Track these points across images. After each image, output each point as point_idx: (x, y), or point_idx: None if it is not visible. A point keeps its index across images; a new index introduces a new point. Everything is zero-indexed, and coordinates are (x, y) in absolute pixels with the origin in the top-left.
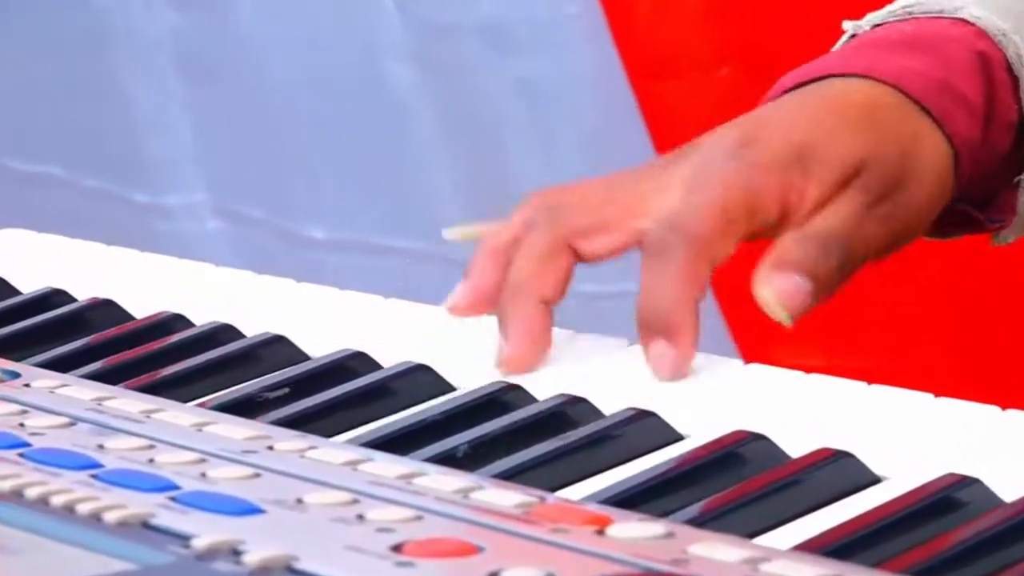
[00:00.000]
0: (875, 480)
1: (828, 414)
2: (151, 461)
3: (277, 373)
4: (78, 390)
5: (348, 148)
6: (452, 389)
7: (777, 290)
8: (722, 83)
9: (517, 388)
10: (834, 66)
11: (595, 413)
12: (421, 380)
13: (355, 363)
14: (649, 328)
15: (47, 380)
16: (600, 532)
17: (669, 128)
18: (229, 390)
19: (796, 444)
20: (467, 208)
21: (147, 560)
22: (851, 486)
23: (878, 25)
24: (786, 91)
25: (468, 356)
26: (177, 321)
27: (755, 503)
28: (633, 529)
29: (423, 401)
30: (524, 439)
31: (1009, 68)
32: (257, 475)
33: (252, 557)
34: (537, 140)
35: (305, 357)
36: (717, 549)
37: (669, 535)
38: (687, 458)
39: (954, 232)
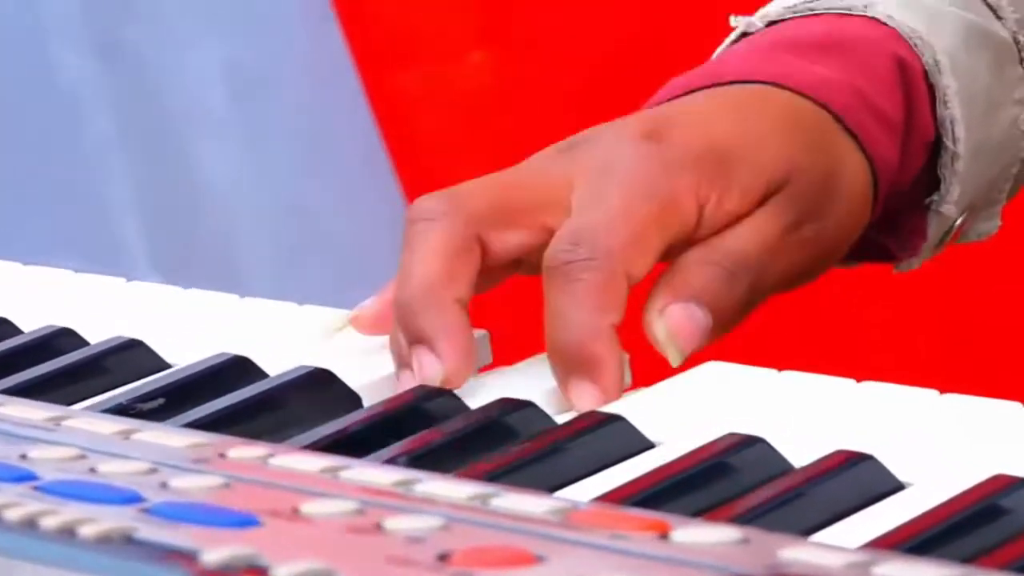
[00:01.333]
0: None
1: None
2: (92, 471)
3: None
4: None
5: (7, 150)
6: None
7: (671, 324)
8: (472, 69)
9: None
10: (739, 70)
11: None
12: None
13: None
14: (564, 364)
15: None
16: (663, 537)
17: (405, 124)
18: None
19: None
20: (148, 223)
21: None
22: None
23: (774, 22)
24: (676, 97)
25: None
26: None
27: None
28: (701, 534)
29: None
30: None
31: (926, 77)
32: (227, 484)
33: (285, 573)
34: (241, 138)
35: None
36: (814, 553)
37: (745, 540)
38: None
39: (858, 259)
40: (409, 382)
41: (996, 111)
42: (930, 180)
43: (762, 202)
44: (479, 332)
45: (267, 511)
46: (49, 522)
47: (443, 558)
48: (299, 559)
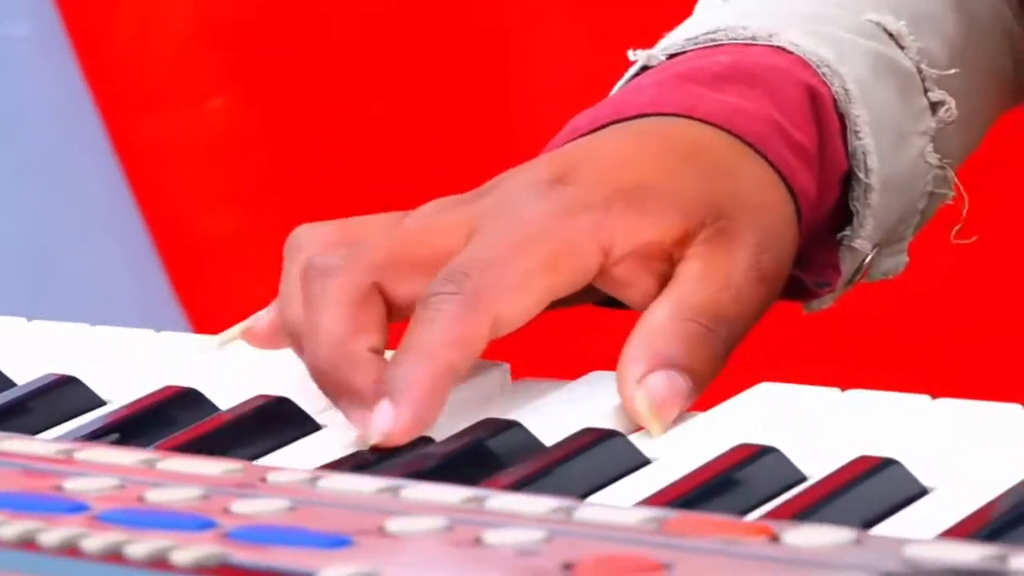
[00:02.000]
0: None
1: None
2: (141, 499)
3: None
4: None
5: None
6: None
7: (654, 397)
8: (214, 115)
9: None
10: (642, 104)
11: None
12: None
13: None
14: (387, 387)
15: None
16: (774, 540)
17: (149, 172)
18: None
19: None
20: None
21: None
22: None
23: (675, 55)
24: (582, 135)
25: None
26: None
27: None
28: (810, 536)
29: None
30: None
31: (836, 106)
32: (293, 508)
33: None
34: None
35: None
36: (944, 549)
37: (857, 541)
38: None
39: None
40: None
41: (904, 142)
42: (841, 214)
43: (686, 240)
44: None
45: (352, 531)
46: (136, 551)
47: (568, 567)
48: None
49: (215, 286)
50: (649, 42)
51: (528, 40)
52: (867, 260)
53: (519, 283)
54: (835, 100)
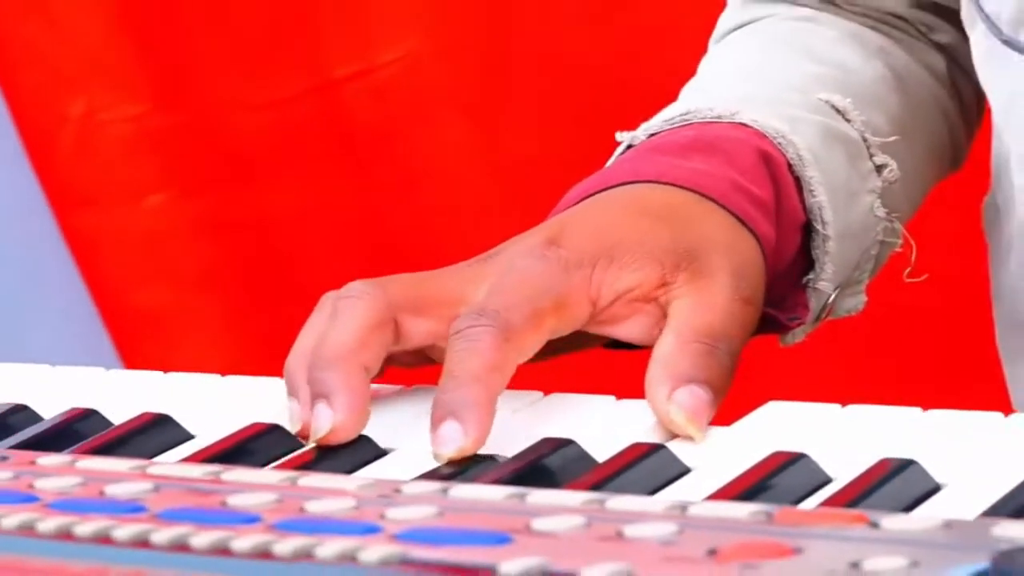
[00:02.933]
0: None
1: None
2: (302, 510)
3: None
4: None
5: None
6: None
7: (686, 407)
8: (151, 212)
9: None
10: (622, 174)
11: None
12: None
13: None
14: (442, 408)
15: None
16: (874, 526)
17: (97, 260)
18: None
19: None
20: None
21: None
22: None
23: (655, 134)
24: (574, 204)
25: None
26: None
27: None
28: (903, 522)
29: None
30: None
31: (791, 169)
32: (440, 513)
33: (593, 574)
34: None
35: None
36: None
37: (948, 525)
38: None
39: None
40: (296, 411)
41: (855, 200)
42: (804, 261)
43: (662, 282)
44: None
45: (506, 530)
46: (324, 552)
47: (712, 554)
48: (595, 564)
49: (155, 351)
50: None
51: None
52: (831, 300)
53: (534, 323)
54: (790, 165)
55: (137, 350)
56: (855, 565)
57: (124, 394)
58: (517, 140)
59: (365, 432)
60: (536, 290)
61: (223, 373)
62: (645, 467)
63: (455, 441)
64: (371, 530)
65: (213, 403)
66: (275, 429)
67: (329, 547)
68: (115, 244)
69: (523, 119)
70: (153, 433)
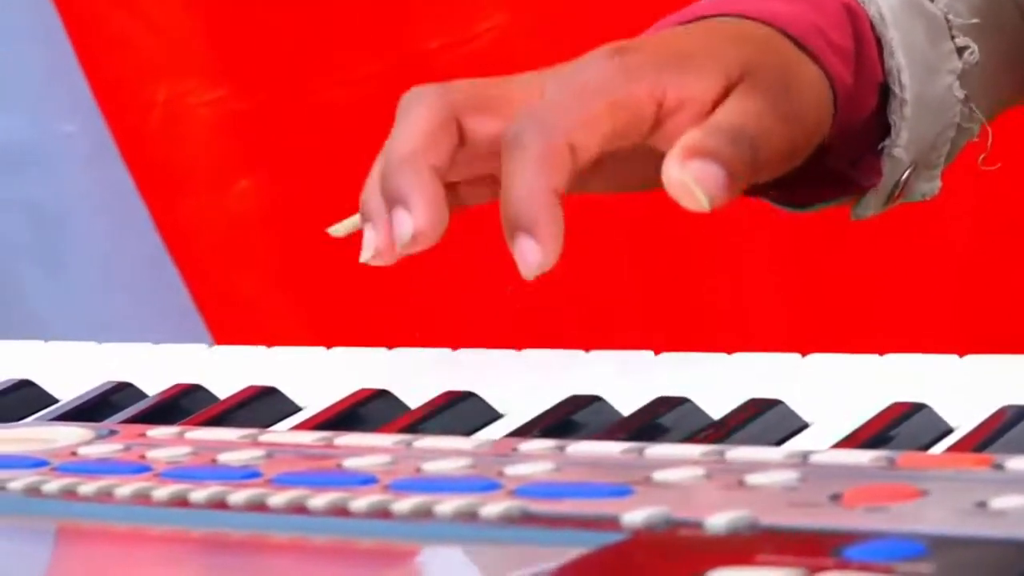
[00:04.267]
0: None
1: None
2: (419, 470)
3: None
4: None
5: None
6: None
7: (693, 172)
8: (240, 196)
9: None
10: (702, 10)
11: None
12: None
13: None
14: (507, 223)
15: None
16: (999, 468)
17: (188, 246)
18: None
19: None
20: None
21: (593, 541)
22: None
23: None
24: None
25: None
26: None
27: None
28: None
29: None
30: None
31: (872, 28)
32: (558, 468)
33: (717, 521)
34: (47, 266)
35: None
36: None
37: None
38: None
39: (824, 196)
40: (371, 238)
41: (933, 74)
42: (881, 129)
43: (726, 93)
44: None
45: (627, 482)
46: (443, 509)
47: (836, 498)
48: (719, 512)
49: (248, 337)
50: None
51: None
52: (905, 175)
53: (584, 120)
54: (871, 23)
55: (231, 336)
56: (981, 504)
57: (228, 369)
58: None
59: (479, 394)
60: (593, 89)
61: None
62: (763, 422)
63: (535, 258)
64: (490, 487)
65: (318, 374)
66: (383, 394)
67: (448, 504)
68: (205, 230)
69: None
70: (260, 405)
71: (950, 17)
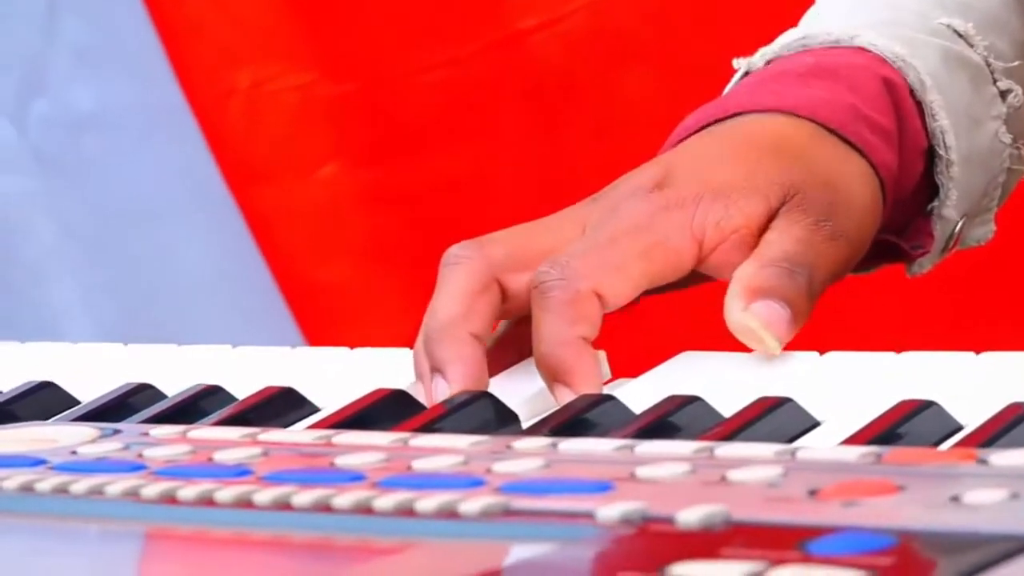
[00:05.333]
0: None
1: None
2: (409, 468)
3: None
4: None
5: None
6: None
7: (760, 317)
8: (325, 183)
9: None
10: (739, 103)
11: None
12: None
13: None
14: (543, 371)
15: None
16: (983, 463)
17: (273, 235)
18: None
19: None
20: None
21: (566, 536)
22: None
23: (771, 61)
24: (691, 134)
25: None
26: None
27: None
28: (1010, 458)
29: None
30: None
31: (912, 94)
32: (547, 465)
33: (689, 516)
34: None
35: None
36: None
37: None
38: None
39: (874, 264)
40: (424, 396)
41: (979, 125)
42: (930, 189)
43: (769, 218)
44: (598, 352)
45: (610, 479)
46: (425, 505)
47: (813, 494)
48: (688, 507)
49: (337, 327)
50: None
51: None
52: (958, 228)
53: (617, 265)
54: (911, 89)
55: (319, 326)
56: (955, 499)
57: (251, 370)
58: (707, 85)
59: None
60: (628, 231)
61: (409, 346)
62: (772, 421)
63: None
64: (475, 484)
65: (340, 375)
66: (399, 394)
67: (429, 501)
68: (290, 218)
69: (710, 64)
70: (277, 407)
71: (991, 61)
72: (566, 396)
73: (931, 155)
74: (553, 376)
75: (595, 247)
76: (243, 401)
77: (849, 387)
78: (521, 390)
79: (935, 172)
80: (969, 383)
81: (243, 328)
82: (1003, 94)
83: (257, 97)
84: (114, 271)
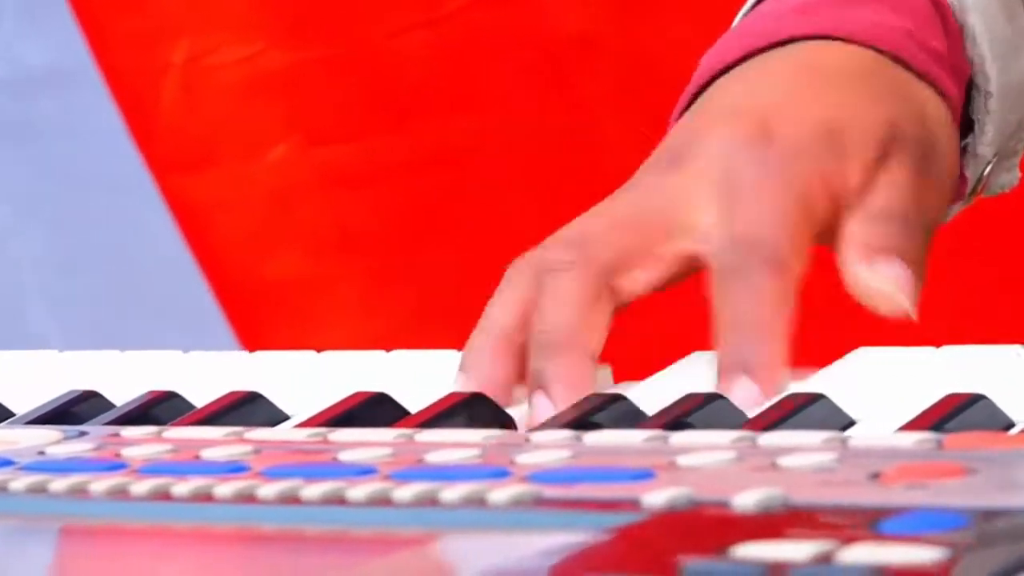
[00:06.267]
0: None
1: None
2: (421, 461)
3: None
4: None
5: None
6: None
7: (890, 278)
8: (275, 167)
9: None
10: (782, 28)
11: None
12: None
13: None
14: (733, 364)
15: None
16: None
17: (210, 230)
18: None
19: None
20: None
21: (610, 523)
22: None
23: None
24: (717, 73)
25: None
26: None
27: None
28: None
29: None
30: None
31: (953, 14)
32: (575, 457)
33: (745, 500)
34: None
35: None
36: None
37: None
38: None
39: None
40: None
41: (1014, 56)
42: (963, 123)
43: (878, 167)
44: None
45: (648, 466)
46: (449, 495)
47: (875, 477)
48: (741, 491)
49: (283, 331)
50: None
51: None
52: (987, 171)
53: (797, 235)
54: (952, 9)
55: (261, 330)
56: None
57: (207, 376)
58: None
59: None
60: (779, 197)
61: (373, 347)
62: (805, 419)
63: (753, 400)
64: (499, 474)
65: (308, 381)
66: (381, 397)
67: (454, 491)
68: (231, 208)
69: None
70: (243, 412)
71: None
72: (749, 391)
73: (968, 86)
74: (744, 366)
75: (772, 219)
76: (206, 407)
77: (885, 383)
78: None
79: (972, 107)
80: (1017, 377)
81: (167, 329)
82: None
83: (195, 73)
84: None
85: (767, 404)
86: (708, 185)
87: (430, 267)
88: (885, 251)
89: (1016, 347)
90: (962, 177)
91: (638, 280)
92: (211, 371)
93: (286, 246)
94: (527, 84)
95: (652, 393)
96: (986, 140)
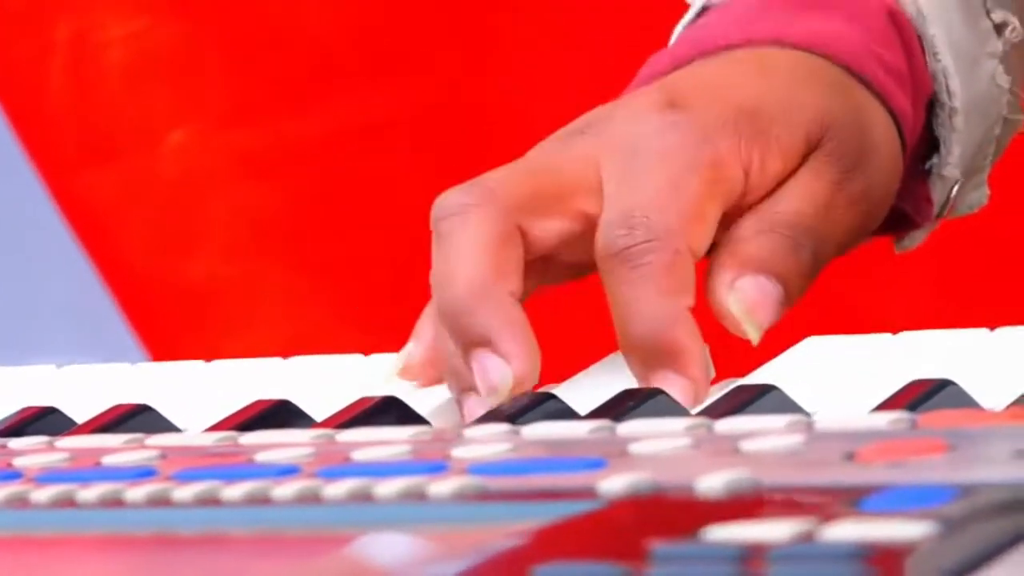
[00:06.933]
0: None
1: None
2: (348, 459)
3: None
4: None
5: None
6: None
7: (746, 298)
8: (174, 154)
9: None
10: (729, 35)
11: None
12: None
13: None
14: (643, 357)
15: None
16: None
17: (104, 229)
18: None
19: None
20: None
21: (565, 513)
22: None
23: None
24: (662, 75)
25: None
26: None
27: None
28: None
29: None
30: None
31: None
32: (515, 449)
33: (711, 482)
34: None
35: None
36: None
37: None
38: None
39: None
40: (477, 408)
41: (976, 66)
42: (923, 142)
43: (803, 161)
44: None
45: (600, 455)
46: (385, 490)
47: (851, 457)
48: (711, 474)
49: (192, 338)
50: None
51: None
52: (954, 191)
53: (697, 214)
54: (911, 22)
55: (168, 338)
56: (1022, 453)
57: (89, 390)
58: None
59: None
60: (681, 169)
61: (285, 356)
62: (755, 411)
63: (693, 395)
64: (436, 468)
65: (200, 392)
66: (284, 404)
67: (390, 486)
68: (126, 205)
69: None
70: (132, 426)
71: None
72: (674, 385)
73: (931, 103)
74: (658, 361)
75: (664, 193)
76: (92, 420)
77: (840, 373)
78: (428, 400)
79: (935, 124)
80: (983, 362)
81: (64, 342)
82: (998, 28)
83: (80, 52)
84: None
85: (713, 398)
86: (612, 152)
87: (355, 258)
88: (758, 264)
89: (976, 331)
90: (927, 199)
91: (549, 230)
92: (93, 385)
93: (191, 244)
94: (449, 46)
95: (578, 394)
96: (952, 160)
